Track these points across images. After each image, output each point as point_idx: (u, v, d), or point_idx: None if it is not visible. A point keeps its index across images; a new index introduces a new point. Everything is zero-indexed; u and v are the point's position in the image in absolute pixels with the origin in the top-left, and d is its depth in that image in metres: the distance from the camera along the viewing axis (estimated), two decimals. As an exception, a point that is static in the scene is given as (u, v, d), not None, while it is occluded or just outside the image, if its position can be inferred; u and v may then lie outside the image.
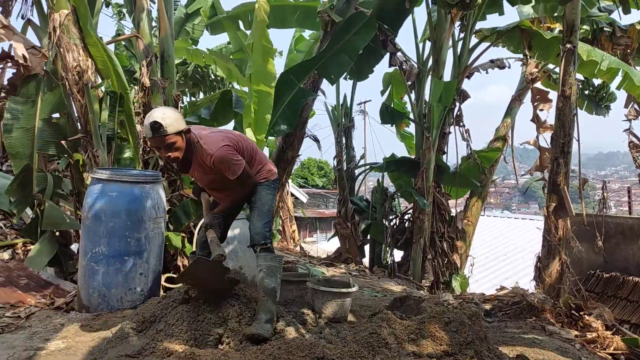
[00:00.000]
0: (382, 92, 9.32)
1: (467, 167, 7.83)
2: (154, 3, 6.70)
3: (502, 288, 4.90)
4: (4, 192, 6.04)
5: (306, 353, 2.00)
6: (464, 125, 7.39)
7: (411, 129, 9.51)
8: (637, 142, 6.64)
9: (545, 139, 5.82)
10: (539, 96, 6.75)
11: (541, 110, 6.51)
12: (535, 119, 6.39)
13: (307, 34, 8.93)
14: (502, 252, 15.91)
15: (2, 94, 7.12)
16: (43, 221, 4.43)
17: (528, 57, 7.31)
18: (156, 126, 2.89)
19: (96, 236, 3.64)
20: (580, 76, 7.74)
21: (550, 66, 7.55)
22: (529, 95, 8.49)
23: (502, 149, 8.40)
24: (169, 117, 2.94)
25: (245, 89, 7.12)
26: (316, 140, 8.28)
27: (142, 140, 5.10)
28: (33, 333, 3.15)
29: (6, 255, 5.43)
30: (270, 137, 7.16)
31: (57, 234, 4.89)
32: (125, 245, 3.65)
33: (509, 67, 8.13)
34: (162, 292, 4.16)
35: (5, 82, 6.47)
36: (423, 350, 2.02)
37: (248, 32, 7.51)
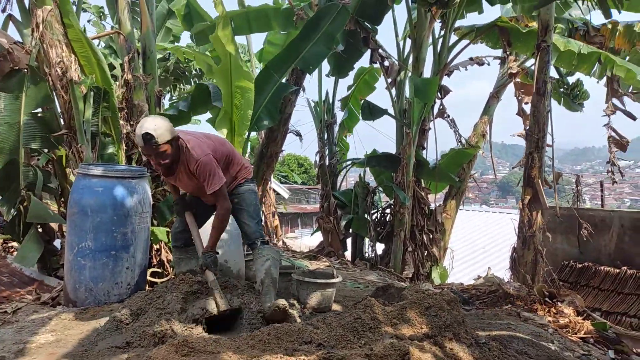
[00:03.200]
0: (349, 88, 9.40)
1: (446, 163, 8.00)
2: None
3: (479, 278, 5.07)
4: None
5: (295, 338, 2.10)
6: (448, 116, 7.57)
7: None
8: (616, 137, 6.85)
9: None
10: (522, 89, 6.90)
11: (526, 103, 6.63)
12: (521, 112, 6.51)
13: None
14: (481, 245, 16.21)
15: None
16: (28, 214, 4.42)
17: (507, 54, 7.49)
18: (148, 137, 3.04)
19: (82, 231, 3.67)
20: (556, 74, 7.98)
21: (529, 62, 7.75)
22: (506, 92, 8.72)
23: (481, 145, 8.60)
24: (159, 128, 3.07)
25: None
26: (298, 134, 8.37)
27: (125, 135, 5.12)
28: (21, 327, 3.18)
29: (-13, 252, 5.41)
30: (252, 133, 7.19)
31: (41, 230, 4.88)
32: (112, 239, 3.69)
33: (489, 65, 8.34)
34: (147, 287, 4.22)
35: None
36: (405, 333, 2.14)
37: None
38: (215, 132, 5.89)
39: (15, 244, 5.56)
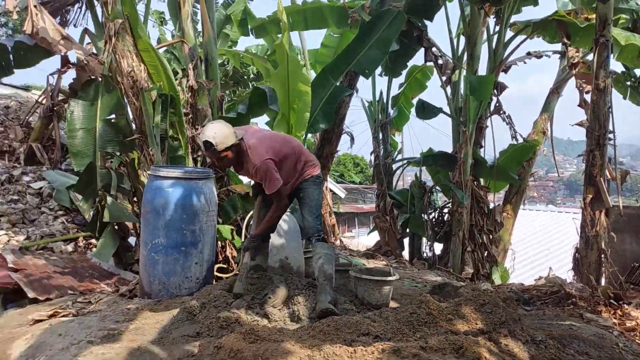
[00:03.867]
0: (400, 86, 9.38)
1: (505, 160, 7.84)
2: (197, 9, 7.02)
3: (540, 278, 4.98)
4: (64, 189, 6.56)
5: (353, 330, 2.23)
6: (504, 112, 7.42)
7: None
8: None
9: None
10: (584, 80, 6.64)
11: (587, 92, 6.39)
12: (583, 103, 6.28)
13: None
14: (545, 246, 15.65)
15: (60, 97, 7.66)
16: (107, 214, 4.80)
17: (567, 46, 7.24)
18: (208, 145, 3.32)
19: (155, 229, 3.97)
20: (621, 67, 7.61)
21: (590, 56, 7.44)
22: (567, 87, 8.41)
23: (541, 141, 8.35)
24: (219, 136, 3.32)
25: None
26: (351, 137, 8.50)
27: (190, 139, 5.44)
28: (104, 316, 3.49)
29: (69, 248, 5.91)
30: (308, 135, 7.37)
31: (117, 227, 5.29)
32: (182, 237, 3.96)
33: (549, 57, 8.06)
34: (214, 281, 4.48)
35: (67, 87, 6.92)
36: (460, 328, 2.21)
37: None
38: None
39: (94, 241, 6.04)
